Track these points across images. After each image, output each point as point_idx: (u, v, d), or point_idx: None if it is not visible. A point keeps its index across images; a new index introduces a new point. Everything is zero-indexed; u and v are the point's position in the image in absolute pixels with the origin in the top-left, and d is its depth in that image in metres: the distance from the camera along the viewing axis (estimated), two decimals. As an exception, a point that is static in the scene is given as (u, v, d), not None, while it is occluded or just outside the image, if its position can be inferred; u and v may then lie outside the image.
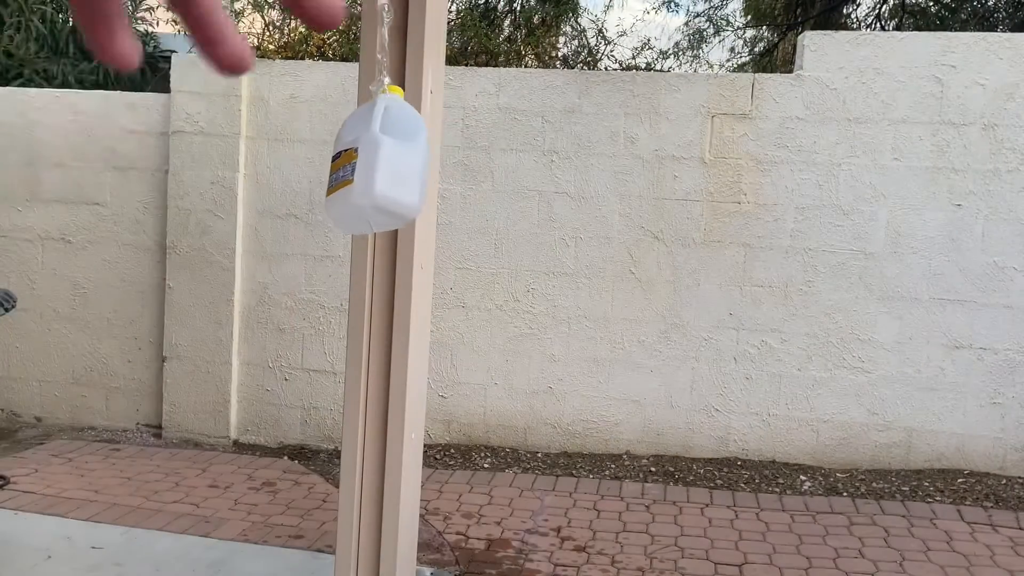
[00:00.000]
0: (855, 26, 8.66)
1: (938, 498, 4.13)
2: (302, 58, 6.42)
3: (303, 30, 7.21)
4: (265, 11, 7.25)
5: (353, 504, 2.69)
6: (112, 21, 0.48)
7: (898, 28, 8.19)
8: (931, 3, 8.42)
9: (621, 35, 8.55)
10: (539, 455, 4.74)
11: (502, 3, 7.86)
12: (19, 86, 6.08)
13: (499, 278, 4.79)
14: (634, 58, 7.83)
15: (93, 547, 3.45)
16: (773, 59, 8.82)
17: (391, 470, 2.65)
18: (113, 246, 5.15)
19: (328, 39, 7.12)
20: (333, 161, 1.96)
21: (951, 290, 4.41)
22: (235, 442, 5.03)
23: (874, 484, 4.30)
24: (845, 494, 4.20)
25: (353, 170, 1.85)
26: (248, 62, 0.50)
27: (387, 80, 1.95)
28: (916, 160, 4.40)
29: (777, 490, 4.26)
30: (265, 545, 3.55)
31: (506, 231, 4.77)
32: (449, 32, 6.88)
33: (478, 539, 3.66)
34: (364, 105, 2.02)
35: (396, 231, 2.59)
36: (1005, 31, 7.59)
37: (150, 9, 7.69)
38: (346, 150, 1.89)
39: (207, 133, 4.91)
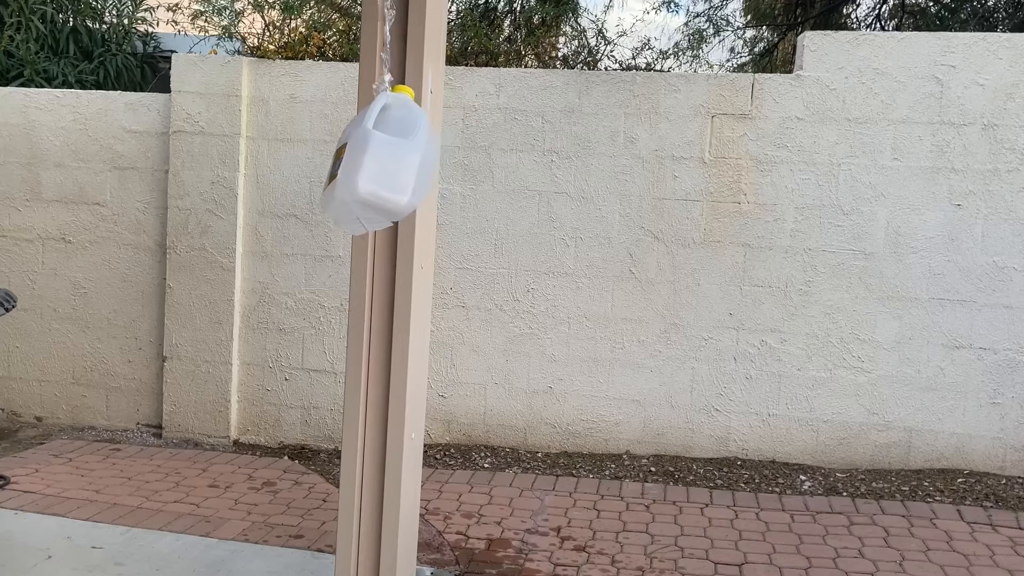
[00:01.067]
0: (855, 26, 8.65)
1: (938, 498, 4.13)
2: (302, 58, 6.42)
3: (303, 30, 7.20)
4: (265, 11, 7.25)
5: (353, 504, 2.69)
6: None
7: (898, 28, 8.19)
8: (931, 3, 8.41)
9: (621, 35, 8.51)
10: (539, 455, 4.75)
11: (502, 3, 7.85)
12: (19, 86, 6.08)
13: (499, 278, 4.79)
14: (634, 58, 7.82)
15: (93, 547, 3.46)
16: (773, 59, 8.81)
17: (391, 470, 2.65)
18: (113, 246, 5.15)
19: (328, 39, 7.11)
20: (333, 158, 1.96)
21: (951, 290, 4.41)
22: (235, 442, 5.03)
23: (874, 484, 4.30)
24: (845, 494, 4.20)
25: (340, 166, 1.84)
26: None
27: (389, 78, 1.95)
28: (916, 160, 4.40)
29: (777, 490, 4.27)
30: (265, 545, 3.55)
31: (506, 231, 4.77)
32: (449, 32, 6.88)
33: (478, 539, 3.67)
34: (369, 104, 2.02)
35: (396, 231, 2.60)
36: (1005, 31, 7.59)
37: (150, 9, 7.69)
38: (340, 147, 1.89)
39: (207, 133, 4.91)
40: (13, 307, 3.63)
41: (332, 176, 1.82)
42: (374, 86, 1.91)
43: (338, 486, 3.00)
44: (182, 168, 4.94)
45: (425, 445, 4.16)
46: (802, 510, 4.01)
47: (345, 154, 1.81)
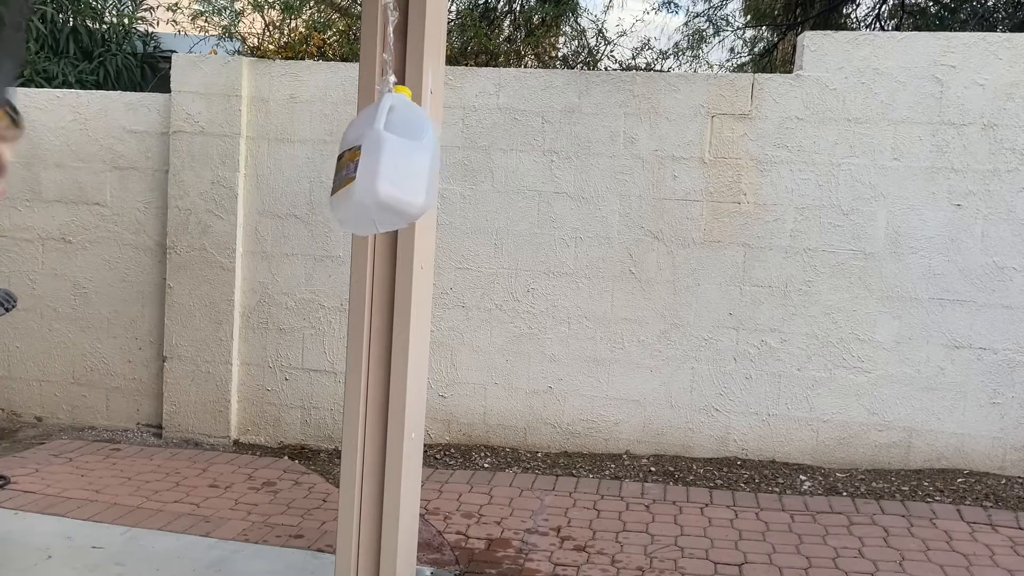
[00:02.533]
0: (855, 26, 8.65)
1: (938, 498, 4.13)
2: (302, 58, 6.42)
3: (303, 30, 7.21)
4: (265, 11, 7.25)
5: (353, 504, 2.69)
6: None
7: (898, 28, 8.19)
8: (931, 3, 8.42)
9: (621, 35, 8.51)
10: (539, 455, 4.75)
11: (502, 3, 7.86)
12: (19, 86, 6.08)
13: (499, 278, 4.79)
14: (634, 58, 7.83)
15: (93, 547, 3.46)
16: (773, 59, 8.81)
17: (391, 470, 2.65)
18: (113, 246, 5.15)
19: (328, 39, 7.12)
20: (338, 161, 1.95)
21: (951, 290, 4.41)
22: (235, 442, 5.03)
23: (874, 484, 4.30)
24: (845, 494, 4.20)
25: (356, 168, 1.83)
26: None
27: (393, 79, 1.95)
28: (916, 160, 4.40)
29: (777, 490, 4.27)
30: (265, 545, 3.55)
31: (506, 231, 4.77)
32: (449, 32, 6.89)
33: (478, 539, 3.67)
34: (370, 105, 2.02)
35: (396, 231, 2.60)
36: (1005, 31, 7.58)
37: (150, 9, 7.69)
38: (350, 149, 1.88)
39: (207, 133, 4.91)
40: (13, 307, 3.62)
41: (348, 179, 1.82)
42: (377, 86, 1.91)
43: (338, 486, 3.01)
44: (182, 168, 4.94)
45: (425, 445, 4.16)
46: (802, 510, 4.01)
47: (361, 156, 1.80)
